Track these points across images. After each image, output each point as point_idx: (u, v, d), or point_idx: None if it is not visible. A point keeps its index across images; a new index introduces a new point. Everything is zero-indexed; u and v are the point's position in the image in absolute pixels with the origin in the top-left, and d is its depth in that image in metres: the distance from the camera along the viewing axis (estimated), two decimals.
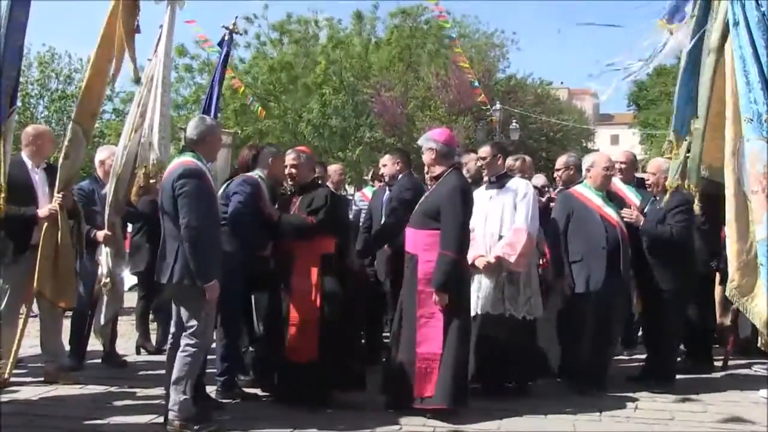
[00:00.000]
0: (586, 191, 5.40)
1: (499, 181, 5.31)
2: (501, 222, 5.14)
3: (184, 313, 4.29)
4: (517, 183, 5.29)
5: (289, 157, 5.13)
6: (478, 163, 5.51)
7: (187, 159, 4.34)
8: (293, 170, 5.09)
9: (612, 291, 5.17)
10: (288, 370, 4.79)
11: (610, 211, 5.31)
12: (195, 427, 4.17)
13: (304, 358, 4.71)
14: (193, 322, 4.24)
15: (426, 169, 4.93)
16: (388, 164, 5.88)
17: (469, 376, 4.77)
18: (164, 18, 5.31)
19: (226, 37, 7.35)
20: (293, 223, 4.92)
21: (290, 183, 5.20)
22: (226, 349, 5.03)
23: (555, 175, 6.22)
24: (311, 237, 4.86)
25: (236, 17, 7.43)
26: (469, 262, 4.95)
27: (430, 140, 4.85)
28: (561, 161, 6.14)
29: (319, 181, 5.50)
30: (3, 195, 4.38)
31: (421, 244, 4.65)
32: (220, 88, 7.50)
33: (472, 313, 4.93)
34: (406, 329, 4.65)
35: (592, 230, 5.24)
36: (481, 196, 5.25)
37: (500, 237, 5.10)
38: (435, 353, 4.50)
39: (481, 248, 5.09)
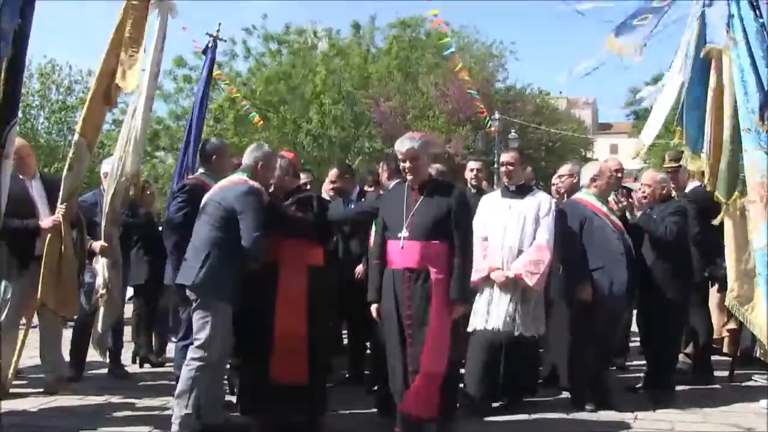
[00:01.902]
0: (591, 199, 5.29)
1: (520, 191, 5.12)
2: (522, 236, 4.93)
3: (194, 323, 4.30)
4: (540, 196, 5.12)
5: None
6: (503, 169, 5.22)
7: (244, 178, 4.45)
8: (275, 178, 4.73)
9: (627, 299, 5.18)
10: (273, 394, 4.38)
11: (615, 219, 5.28)
12: None
13: (290, 380, 4.35)
14: (201, 335, 4.24)
15: (417, 177, 4.28)
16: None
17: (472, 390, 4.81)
18: (155, 26, 5.35)
19: (210, 44, 7.33)
20: (284, 214, 4.56)
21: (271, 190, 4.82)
22: None
23: (557, 182, 6.17)
24: (300, 233, 4.52)
25: (219, 24, 7.35)
26: (485, 275, 4.87)
27: (428, 144, 4.35)
28: (566, 168, 6.09)
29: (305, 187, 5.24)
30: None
31: (431, 257, 4.15)
32: (206, 95, 7.46)
33: (480, 327, 4.85)
34: (412, 347, 4.13)
35: (609, 238, 5.13)
36: (497, 204, 5.04)
37: (519, 251, 4.90)
38: (439, 373, 4.08)
39: (497, 261, 4.89)
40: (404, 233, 4.17)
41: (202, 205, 4.47)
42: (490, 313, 4.86)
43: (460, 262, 4.13)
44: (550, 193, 6.14)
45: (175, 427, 4.21)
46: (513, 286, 4.85)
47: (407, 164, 4.24)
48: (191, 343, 4.34)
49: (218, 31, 7.29)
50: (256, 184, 4.42)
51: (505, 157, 5.25)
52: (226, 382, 5.20)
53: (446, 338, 4.12)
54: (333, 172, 6.37)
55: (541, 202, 5.04)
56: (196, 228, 4.42)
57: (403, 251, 4.17)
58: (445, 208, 4.18)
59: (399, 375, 4.15)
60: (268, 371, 4.35)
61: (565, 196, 5.90)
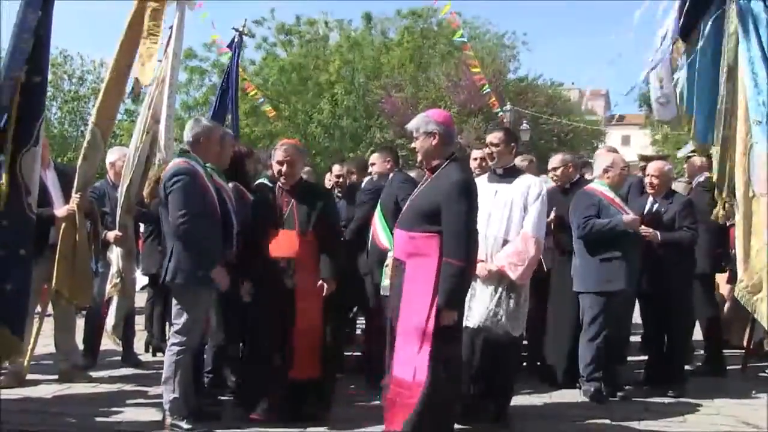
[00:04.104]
0: (604, 189, 5.28)
1: (508, 174, 4.67)
2: (508, 224, 4.49)
3: (173, 310, 4.36)
4: (529, 180, 4.66)
5: (281, 152, 4.60)
6: (487, 151, 4.82)
7: (179, 160, 4.42)
8: (287, 168, 4.57)
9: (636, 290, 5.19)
10: (289, 389, 4.44)
11: (628, 210, 5.28)
12: (185, 426, 4.24)
13: (305, 375, 4.42)
14: (180, 320, 4.29)
15: (420, 158, 3.98)
16: (377, 162, 5.67)
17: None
18: (174, 19, 5.35)
19: (236, 39, 7.38)
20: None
21: (282, 182, 4.66)
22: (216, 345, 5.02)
23: (552, 174, 5.90)
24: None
25: (245, 20, 7.45)
26: None
27: (431, 122, 3.91)
28: (559, 159, 5.86)
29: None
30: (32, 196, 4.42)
31: (411, 248, 3.80)
32: (236, 90, 7.52)
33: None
34: (390, 345, 3.91)
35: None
36: (483, 189, 4.34)
37: (504, 242, 4.47)
38: (406, 381, 3.66)
39: (481, 252, 4.28)
40: (398, 221, 3.98)
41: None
42: (471, 308, 4.38)
43: (445, 261, 3.66)
44: None
45: (167, 412, 4.30)
46: (497, 279, 4.42)
47: (413, 144, 3.98)
48: None
49: (244, 26, 7.36)
50: (186, 163, 4.33)
51: (491, 137, 4.77)
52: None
53: (415, 343, 3.65)
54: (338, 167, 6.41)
55: (530, 186, 4.58)
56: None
57: (395, 240, 3.98)
58: (436, 196, 3.76)
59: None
60: (286, 368, 4.38)
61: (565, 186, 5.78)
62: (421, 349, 3.63)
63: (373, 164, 5.77)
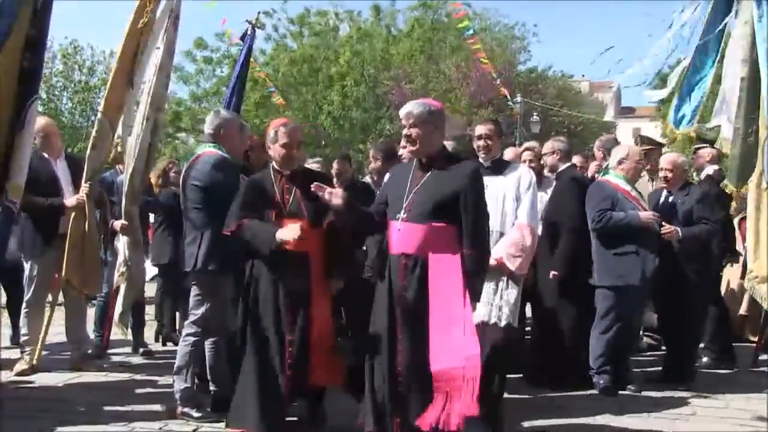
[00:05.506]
0: (619, 181, 5.22)
1: (497, 166, 4.53)
2: (503, 216, 4.35)
3: (192, 300, 4.35)
4: (519, 170, 4.58)
5: (288, 134, 4.07)
6: (482, 143, 4.57)
7: (212, 149, 4.37)
8: (297, 150, 4.18)
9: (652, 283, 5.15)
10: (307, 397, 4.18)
11: (644, 203, 5.22)
12: (196, 415, 4.27)
13: (325, 382, 4.10)
14: (198, 311, 4.30)
15: (418, 147, 3.69)
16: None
17: None
18: (170, 5, 5.34)
19: (249, 32, 7.38)
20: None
21: (279, 166, 4.14)
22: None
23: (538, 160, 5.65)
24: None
25: (258, 12, 7.45)
26: None
27: (434, 111, 3.69)
28: (548, 146, 5.66)
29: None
30: (11, 182, 4.36)
31: (429, 241, 3.57)
32: (243, 82, 7.52)
33: None
34: (409, 345, 3.58)
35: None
36: None
37: (500, 234, 4.32)
38: (458, 367, 3.43)
39: None
40: (402, 214, 3.63)
41: (181, 187, 4.45)
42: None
43: (469, 253, 3.54)
44: (542, 171, 5.71)
45: (178, 401, 4.32)
46: (497, 273, 4.25)
47: (407, 131, 3.68)
48: None
49: (257, 18, 7.35)
50: (218, 153, 4.34)
51: (482, 129, 4.59)
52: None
53: (453, 332, 3.46)
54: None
55: (521, 176, 4.49)
56: (184, 212, 4.40)
57: (401, 234, 3.63)
58: (453, 187, 3.59)
59: (386, 380, 3.60)
60: (306, 376, 3.96)
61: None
62: (466, 330, 3.46)
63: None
